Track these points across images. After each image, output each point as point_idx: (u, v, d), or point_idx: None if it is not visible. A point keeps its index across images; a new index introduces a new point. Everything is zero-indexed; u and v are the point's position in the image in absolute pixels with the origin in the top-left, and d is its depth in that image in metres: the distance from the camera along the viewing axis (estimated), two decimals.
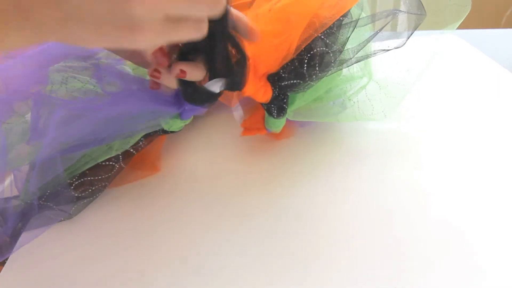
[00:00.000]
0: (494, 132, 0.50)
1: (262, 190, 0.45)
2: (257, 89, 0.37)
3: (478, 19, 0.44)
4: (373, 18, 0.43)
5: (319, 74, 0.39)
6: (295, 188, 0.44)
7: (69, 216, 0.43)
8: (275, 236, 0.39)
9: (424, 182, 0.43)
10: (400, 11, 0.42)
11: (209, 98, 0.32)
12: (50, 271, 0.38)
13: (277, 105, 0.41)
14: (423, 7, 0.39)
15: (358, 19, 0.41)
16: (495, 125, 0.52)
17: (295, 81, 0.39)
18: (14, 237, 0.41)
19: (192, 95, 0.31)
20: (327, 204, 0.42)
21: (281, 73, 0.39)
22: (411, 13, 0.40)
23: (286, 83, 0.39)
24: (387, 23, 0.42)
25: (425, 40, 0.46)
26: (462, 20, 0.43)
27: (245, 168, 0.48)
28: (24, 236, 0.41)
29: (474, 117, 0.54)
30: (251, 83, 0.36)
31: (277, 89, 0.40)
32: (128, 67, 0.45)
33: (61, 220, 0.43)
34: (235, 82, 0.33)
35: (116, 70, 0.39)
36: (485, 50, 0.68)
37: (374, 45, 0.43)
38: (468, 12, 0.42)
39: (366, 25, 0.43)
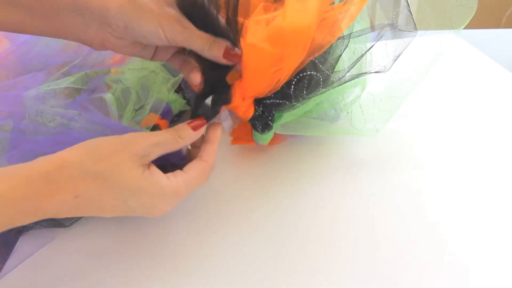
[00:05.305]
0: (494, 132, 0.50)
1: (260, 192, 0.45)
2: (239, 106, 0.37)
3: (478, 19, 0.43)
4: (364, 32, 0.42)
5: (306, 96, 0.38)
6: (294, 191, 0.45)
7: (66, 226, 0.44)
8: (274, 238, 0.39)
9: (423, 183, 0.43)
10: (392, 25, 0.41)
11: (212, 113, 0.38)
12: (51, 272, 0.39)
13: (262, 122, 0.40)
14: (415, 25, 0.39)
15: (350, 35, 0.41)
16: (495, 125, 0.51)
17: (280, 101, 0.38)
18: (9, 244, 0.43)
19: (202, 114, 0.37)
20: (325, 206, 0.42)
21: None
22: (402, 30, 0.40)
23: (272, 101, 0.38)
24: (380, 39, 0.41)
25: (424, 45, 0.44)
26: (468, 21, 0.42)
27: (243, 173, 0.48)
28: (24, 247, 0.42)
29: (474, 117, 0.53)
30: (236, 102, 0.36)
31: (261, 107, 0.39)
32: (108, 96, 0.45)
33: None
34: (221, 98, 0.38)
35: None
36: (485, 50, 0.67)
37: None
38: (474, 13, 0.41)
39: (359, 36, 0.43)
